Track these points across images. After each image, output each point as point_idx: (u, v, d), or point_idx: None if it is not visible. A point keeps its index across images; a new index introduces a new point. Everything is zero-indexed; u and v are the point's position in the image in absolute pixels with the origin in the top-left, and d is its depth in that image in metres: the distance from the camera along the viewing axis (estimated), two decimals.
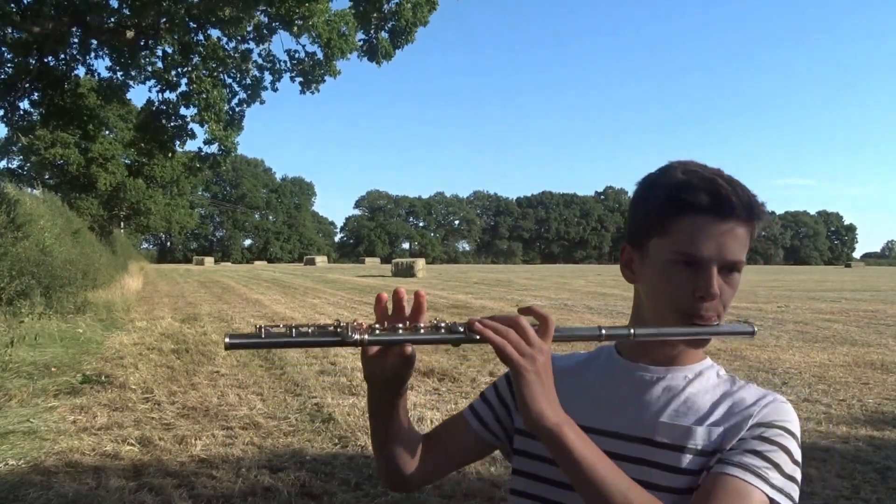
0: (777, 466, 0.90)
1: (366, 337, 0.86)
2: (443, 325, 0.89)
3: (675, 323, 0.97)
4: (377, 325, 0.89)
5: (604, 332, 0.95)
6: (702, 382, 1.01)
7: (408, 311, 0.93)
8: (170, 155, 14.71)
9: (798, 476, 0.92)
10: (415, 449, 1.10)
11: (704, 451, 0.94)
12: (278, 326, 0.83)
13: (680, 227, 0.96)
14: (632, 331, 0.96)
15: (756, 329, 1.04)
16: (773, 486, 0.88)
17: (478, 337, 0.86)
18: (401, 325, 0.89)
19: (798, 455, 0.93)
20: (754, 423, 0.94)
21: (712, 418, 0.96)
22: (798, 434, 0.95)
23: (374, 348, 0.95)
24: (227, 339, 0.83)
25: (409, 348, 0.95)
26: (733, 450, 0.92)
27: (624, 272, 1.07)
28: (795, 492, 0.91)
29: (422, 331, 0.88)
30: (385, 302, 0.95)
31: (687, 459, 0.94)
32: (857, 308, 16.04)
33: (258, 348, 0.87)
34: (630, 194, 1.10)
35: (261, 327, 0.83)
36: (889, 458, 4.52)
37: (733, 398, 0.98)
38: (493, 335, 0.86)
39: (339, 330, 0.84)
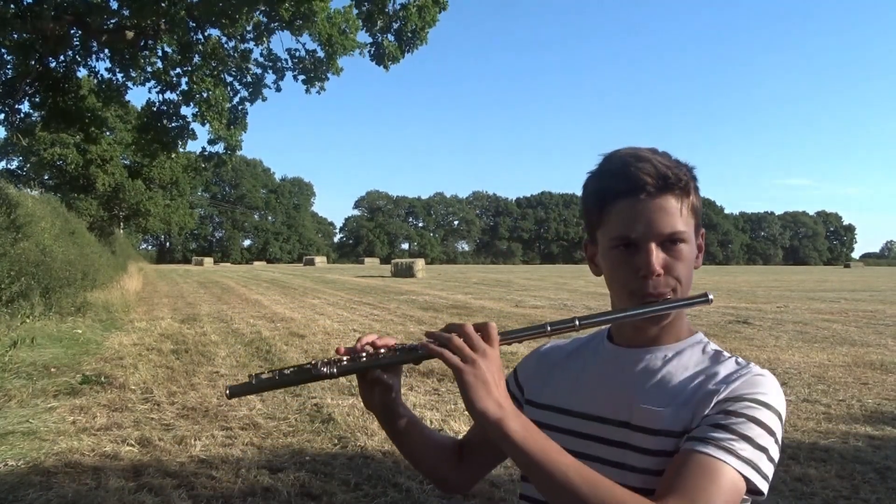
0: (746, 438, 0.88)
1: (334, 370, 0.97)
2: (400, 346, 0.99)
3: (630, 304, 0.99)
4: (344, 357, 0.99)
5: (549, 327, 0.98)
6: (681, 360, 1.01)
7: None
8: (172, 155, 14.68)
9: (772, 449, 0.90)
10: (446, 456, 1.17)
11: (674, 432, 0.94)
12: (266, 373, 0.98)
13: (610, 214, 1.00)
14: (576, 321, 0.98)
15: (712, 297, 1.00)
16: (740, 457, 0.87)
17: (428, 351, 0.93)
18: (364, 354, 0.99)
19: (773, 425, 0.91)
20: (721, 399, 0.93)
21: (682, 398, 0.96)
22: (775, 405, 0.92)
23: (363, 383, 1.06)
24: (227, 391, 0.98)
25: (376, 373, 1.04)
26: (699, 427, 0.92)
27: (591, 267, 1.11)
28: (766, 465, 0.89)
29: (381, 354, 0.98)
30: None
31: (660, 442, 0.95)
32: (857, 308, 16.04)
33: (254, 393, 1.00)
34: None
35: (252, 376, 0.98)
36: (889, 457, 4.52)
37: (707, 375, 0.98)
38: (434, 346, 0.92)
39: (312, 368, 0.97)
